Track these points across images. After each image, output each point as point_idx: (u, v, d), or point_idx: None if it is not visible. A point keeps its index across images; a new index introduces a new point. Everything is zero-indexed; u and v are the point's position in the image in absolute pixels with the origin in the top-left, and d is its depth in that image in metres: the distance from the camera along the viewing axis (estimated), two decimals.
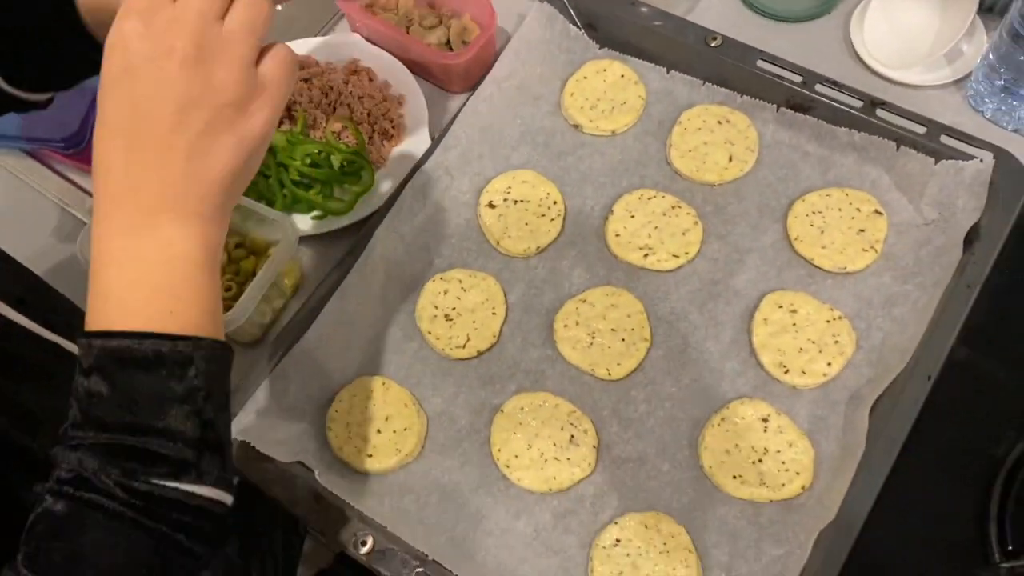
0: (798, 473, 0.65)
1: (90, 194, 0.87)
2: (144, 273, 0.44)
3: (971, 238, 0.70)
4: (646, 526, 0.65)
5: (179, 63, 0.43)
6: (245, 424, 0.67)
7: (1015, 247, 0.70)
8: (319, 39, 0.93)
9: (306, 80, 0.88)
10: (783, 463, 0.66)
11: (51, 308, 0.64)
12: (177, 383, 0.43)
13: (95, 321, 0.44)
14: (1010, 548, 0.61)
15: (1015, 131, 0.79)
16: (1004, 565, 0.59)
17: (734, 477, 0.66)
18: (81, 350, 0.43)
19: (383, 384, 0.72)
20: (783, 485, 0.65)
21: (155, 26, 0.43)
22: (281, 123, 0.85)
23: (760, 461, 0.66)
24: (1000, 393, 0.68)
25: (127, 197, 0.44)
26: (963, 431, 0.66)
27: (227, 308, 0.74)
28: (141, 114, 0.43)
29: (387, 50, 0.89)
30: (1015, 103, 0.78)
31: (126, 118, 0.44)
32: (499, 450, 0.69)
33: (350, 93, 0.86)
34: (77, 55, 0.59)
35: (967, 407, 0.67)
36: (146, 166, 0.44)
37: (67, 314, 0.67)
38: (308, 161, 0.82)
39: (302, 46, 0.91)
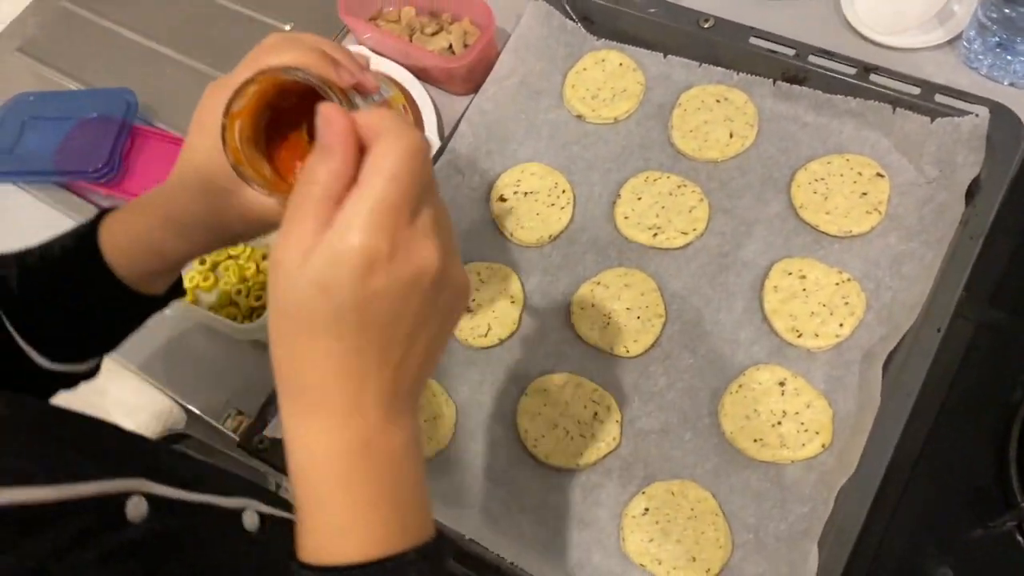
0: (817, 432, 0.67)
1: None
2: (379, 493, 0.39)
3: (972, 191, 0.71)
4: (673, 493, 0.67)
5: (429, 286, 0.38)
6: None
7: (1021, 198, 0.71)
8: None
9: None
10: (802, 424, 0.67)
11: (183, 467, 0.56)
12: None
13: (325, 552, 0.39)
14: None
15: (1011, 85, 0.80)
16: None
17: (755, 441, 0.68)
18: None
19: None
20: (803, 445, 0.67)
21: (403, 250, 0.37)
22: None
23: (779, 424, 0.68)
24: (1013, 341, 0.69)
25: (351, 413, 0.39)
26: (979, 380, 0.67)
27: (259, 314, 0.78)
28: (376, 339, 0.38)
29: (393, 59, 0.92)
30: (1010, 58, 0.79)
31: (350, 339, 0.38)
32: (526, 431, 0.71)
33: None
34: (116, 310, 0.55)
35: (981, 356, 0.68)
36: (378, 381, 0.39)
37: (197, 468, 0.59)
38: None
39: None
